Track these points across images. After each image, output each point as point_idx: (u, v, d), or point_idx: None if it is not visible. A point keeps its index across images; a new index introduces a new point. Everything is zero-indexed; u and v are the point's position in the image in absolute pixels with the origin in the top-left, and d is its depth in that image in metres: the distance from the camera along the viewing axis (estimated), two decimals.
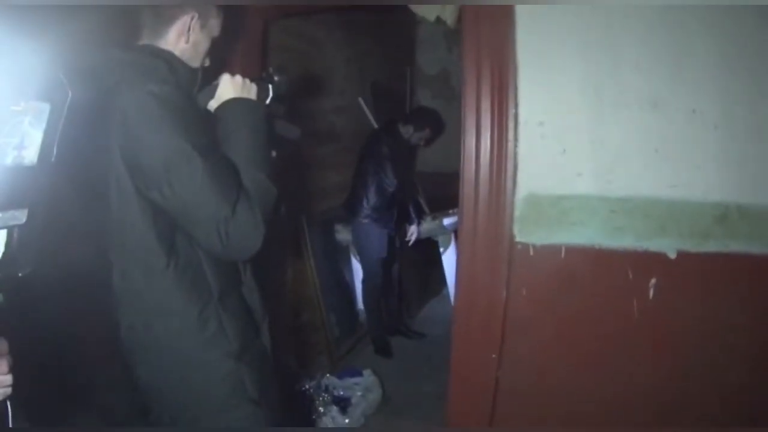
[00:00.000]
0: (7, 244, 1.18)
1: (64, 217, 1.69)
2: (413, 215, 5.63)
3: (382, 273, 5.47)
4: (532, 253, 2.66)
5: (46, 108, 1.21)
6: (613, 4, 2.55)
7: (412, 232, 5.63)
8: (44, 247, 1.28)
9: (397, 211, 5.49)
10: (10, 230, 1.17)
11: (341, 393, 4.26)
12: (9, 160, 1.14)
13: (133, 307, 1.85)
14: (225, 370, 1.86)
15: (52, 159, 1.24)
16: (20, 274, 1.21)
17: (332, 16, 5.31)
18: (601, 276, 2.67)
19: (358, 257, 5.74)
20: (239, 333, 1.89)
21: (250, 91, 1.96)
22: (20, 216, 1.17)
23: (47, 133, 1.21)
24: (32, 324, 1.67)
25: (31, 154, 1.18)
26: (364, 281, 5.64)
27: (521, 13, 2.64)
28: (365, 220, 5.33)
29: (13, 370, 1.21)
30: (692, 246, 2.55)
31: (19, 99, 1.16)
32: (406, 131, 5.49)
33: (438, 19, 4.00)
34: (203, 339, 1.83)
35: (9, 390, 1.19)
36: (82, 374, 2.64)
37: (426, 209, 5.90)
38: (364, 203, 5.30)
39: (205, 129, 1.83)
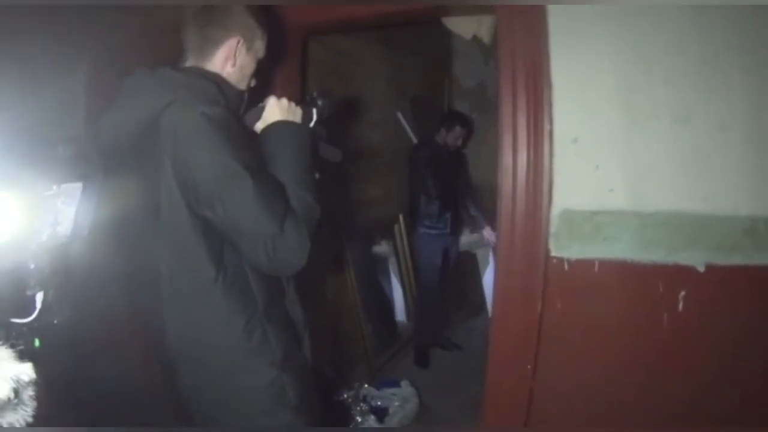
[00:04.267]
0: (44, 300, 1.27)
1: (106, 250, 1.77)
2: (472, 220, 5.72)
3: (437, 281, 5.54)
4: (566, 267, 2.70)
5: (78, 187, 1.30)
6: (642, 4, 2.59)
7: (489, 235, 5.66)
8: (81, 294, 1.37)
9: (453, 219, 5.57)
10: (47, 288, 1.27)
11: (379, 403, 4.32)
12: (44, 237, 1.24)
13: (181, 316, 1.90)
14: (268, 378, 1.90)
15: (86, 232, 1.33)
16: (55, 321, 1.30)
17: (370, 30, 5.36)
18: (632, 289, 2.70)
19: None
20: (282, 343, 1.93)
21: (296, 114, 2.01)
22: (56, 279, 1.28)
23: (80, 209, 1.31)
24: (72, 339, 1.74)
25: (65, 228, 1.28)
26: (419, 288, 5.73)
27: (555, 30, 2.69)
28: (421, 230, 5.52)
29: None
30: (721, 258, 2.56)
31: (52, 183, 1.25)
32: (441, 137, 5.61)
33: (474, 37, 4.05)
34: (248, 348, 1.88)
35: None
36: (123, 383, 2.72)
37: (481, 216, 5.78)
38: (418, 213, 5.50)
39: (253, 149, 1.87)
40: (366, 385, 4.44)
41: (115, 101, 1.95)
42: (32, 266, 1.24)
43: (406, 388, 4.54)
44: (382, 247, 5.97)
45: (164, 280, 1.89)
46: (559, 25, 2.69)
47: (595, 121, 2.67)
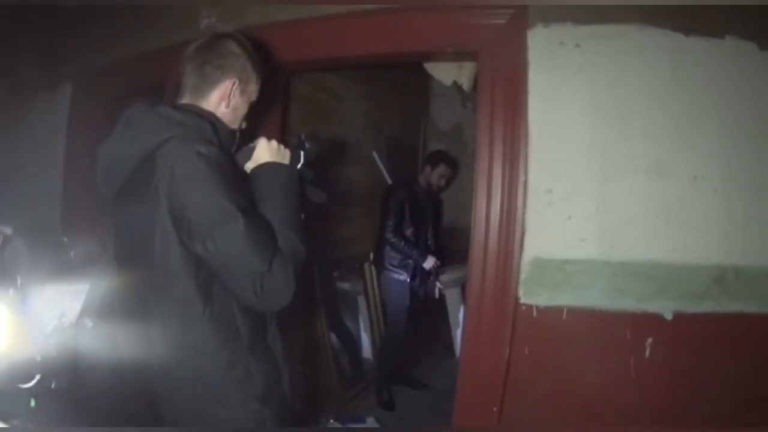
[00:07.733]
0: (43, 372, 1.34)
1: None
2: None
3: (405, 323, 5.37)
4: (535, 314, 2.74)
5: (85, 288, 1.38)
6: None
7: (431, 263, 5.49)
8: (79, 365, 1.44)
9: (415, 266, 5.40)
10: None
11: None
12: (50, 329, 1.31)
13: (168, 348, 1.94)
14: (249, 410, 1.95)
15: (90, 325, 1.41)
16: (53, 386, 1.36)
17: (353, 70, 5.43)
18: (600, 336, 2.75)
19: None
20: (264, 377, 1.98)
21: (284, 156, 2.06)
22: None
23: (86, 305, 1.39)
24: None
25: (70, 320, 1.36)
26: (387, 330, 5.69)
27: (534, 82, 2.76)
28: (386, 271, 5.37)
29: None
30: (688, 306, 2.63)
31: (62, 284, 1.34)
32: (424, 176, 5.51)
33: (454, 83, 4.11)
34: (231, 381, 1.92)
35: None
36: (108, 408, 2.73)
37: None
38: (383, 254, 5.35)
39: (245, 189, 1.93)
40: (332, 420, 4.45)
41: (113, 132, 1.99)
42: (38, 359, 1.30)
43: (371, 425, 4.55)
44: (352, 285, 5.98)
45: (153, 310, 1.93)
46: (538, 77, 2.76)
47: (570, 172, 2.73)
